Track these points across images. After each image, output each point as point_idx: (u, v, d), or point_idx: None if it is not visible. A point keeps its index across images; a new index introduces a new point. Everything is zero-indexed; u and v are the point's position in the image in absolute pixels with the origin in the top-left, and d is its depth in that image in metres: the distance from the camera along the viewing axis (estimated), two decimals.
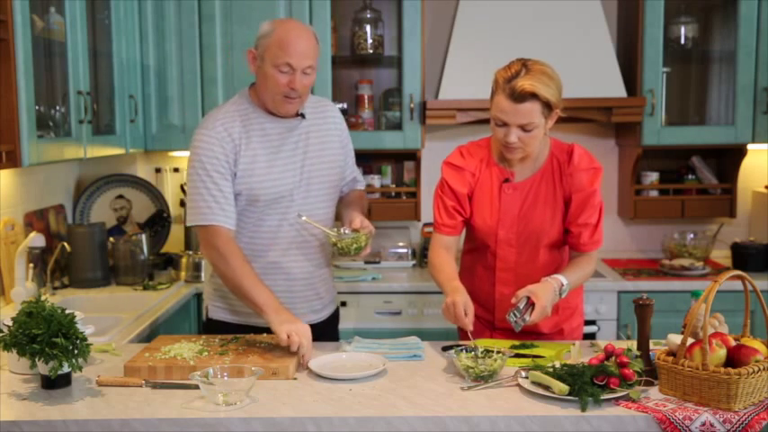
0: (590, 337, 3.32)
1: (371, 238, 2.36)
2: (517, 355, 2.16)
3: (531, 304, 2.15)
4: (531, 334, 2.35)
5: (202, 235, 2.33)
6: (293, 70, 2.26)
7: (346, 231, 2.35)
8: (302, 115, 2.41)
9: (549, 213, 2.34)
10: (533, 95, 2.15)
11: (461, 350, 2.06)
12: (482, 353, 2.04)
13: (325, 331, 2.49)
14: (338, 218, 2.55)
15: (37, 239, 2.89)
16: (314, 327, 2.42)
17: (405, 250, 3.91)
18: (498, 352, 2.05)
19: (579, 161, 2.31)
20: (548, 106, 2.19)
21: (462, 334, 2.44)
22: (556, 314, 2.38)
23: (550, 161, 2.34)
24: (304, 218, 2.34)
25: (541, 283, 2.21)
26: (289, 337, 2.10)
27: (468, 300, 2.20)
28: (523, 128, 2.20)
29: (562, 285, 2.23)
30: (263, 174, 2.34)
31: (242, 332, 2.37)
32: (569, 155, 2.33)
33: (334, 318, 2.65)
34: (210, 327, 2.53)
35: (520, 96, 2.15)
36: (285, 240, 2.40)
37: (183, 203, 3.82)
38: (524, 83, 2.14)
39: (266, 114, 2.39)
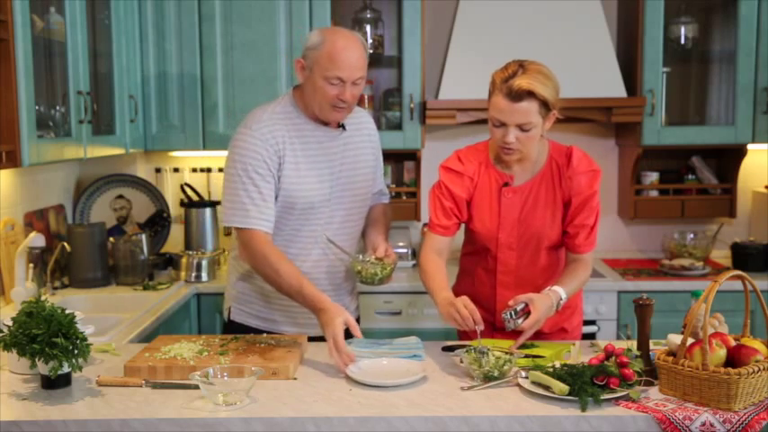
0: (590, 337, 3.32)
1: (394, 268, 2.33)
2: (526, 355, 2.16)
3: (527, 311, 2.16)
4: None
5: (241, 238, 2.31)
6: (343, 83, 2.25)
7: (370, 259, 2.31)
8: (343, 126, 2.40)
9: (549, 216, 2.34)
10: (530, 94, 2.15)
11: (470, 350, 2.06)
12: (490, 353, 2.05)
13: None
14: (363, 236, 2.53)
15: (37, 239, 2.89)
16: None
17: (405, 250, 3.91)
18: (508, 353, 2.06)
19: (578, 164, 2.31)
20: (545, 105, 2.19)
21: (463, 335, 2.44)
22: (556, 313, 2.38)
23: (549, 164, 2.34)
24: (327, 238, 2.31)
25: (542, 295, 2.21)
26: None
27: (467, 300, 2.20)
28: (521, 127, 2.20)
29: (560, 300, 2.23)
30: (301, 181, 2.33)
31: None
32: (568, 158, 2.33)
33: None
34: (232, 328, 2.51)
35: (517, 95, 2.15)
36: (316, 253, 2.39)
37: (182, 203, 3.82)
38: (521, 81, 2.15)
39: (309, 121, 2.38)
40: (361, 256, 2.32)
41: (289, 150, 2.32)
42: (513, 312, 2.15)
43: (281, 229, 2.37)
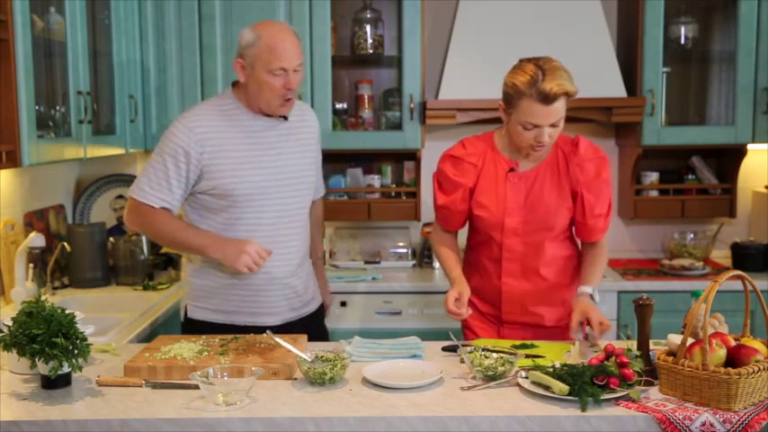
0: None
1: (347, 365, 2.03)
2: (527, 356, 2.16)
3: (587, 324, 2.21)
4: (535, 326, 2.38)
5: (129, 205, 2.43)
6: (286, 71, 2.32)
7: (323, 355, 2.06)
8: (285, 117, 2.46)
9: (555, 203, 2.36)
10: (564, 94, 2.21)
11: (472, 350, 2.06)
12: (491, 353, 2.05)
13: (311, 328, 2.49)
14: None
15: (37, 239, 2.89)
16: (296, 323, 2.50)
17: (405, 250, 3.91)
18: (510, 353, 2.06)
19: (585, 152, 2.36)
20: (569, 97, 2.25)
21: (468, 334, 2.46)
22: (561, 307, 2.40)
23: (555, 152, 2.38)
24: (276, 339, 2.13)
25: (577, 302, 2.27)
26: (250, 268, 2.29)
27: (464, 289, 2.30)
28: (553, 125, 2.26)
29: (590, 295, 2.30)
30: (234, 169, 2.37)
31: (224, 331, 2.38)
32: (575, 146, 2.38)
33: (318, 314, 2.66)
34: (191, 327, 2.51)
35: (552, 98, 2.20)
36: (262, 240, 2.41)
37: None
38: (552, 85, 2.19)
39: (248, 112, 2.43)
40: (307, 354, 2.05)
41: (219, 140, 2.38)
42: (583, 336, 2.21)
43: (230, 218, 2.41)
